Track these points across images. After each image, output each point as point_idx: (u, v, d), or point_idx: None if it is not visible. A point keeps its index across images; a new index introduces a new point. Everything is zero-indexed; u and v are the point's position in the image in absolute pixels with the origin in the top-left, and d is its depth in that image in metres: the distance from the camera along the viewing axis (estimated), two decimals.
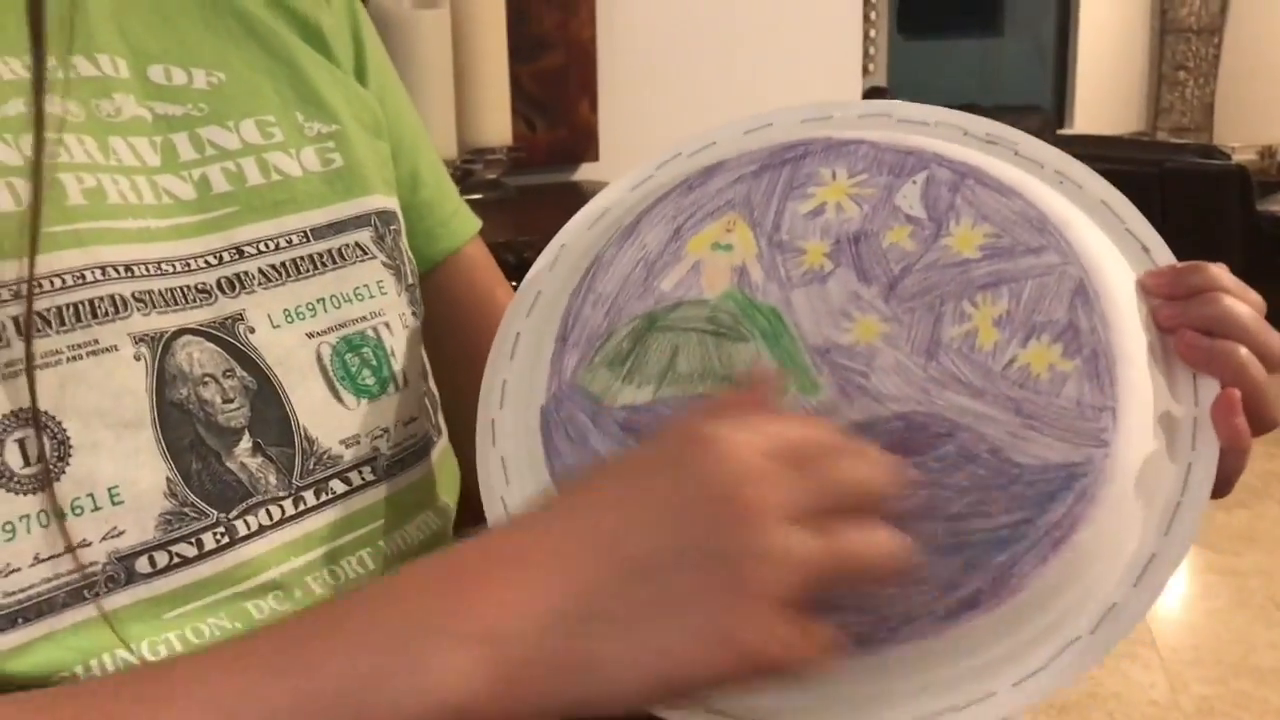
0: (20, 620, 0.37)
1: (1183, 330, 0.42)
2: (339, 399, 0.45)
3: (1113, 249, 0.45)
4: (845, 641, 0.36)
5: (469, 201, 1.31)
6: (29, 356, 0.37)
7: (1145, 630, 2.28)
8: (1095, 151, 4.22)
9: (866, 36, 1.77)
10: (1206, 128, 5.30)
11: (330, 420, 0.45)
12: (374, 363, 0.47)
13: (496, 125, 1.31)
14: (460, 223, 0.58)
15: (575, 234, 0.51)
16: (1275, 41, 4.99)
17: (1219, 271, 0.43)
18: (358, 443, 0.46)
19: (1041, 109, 5.00)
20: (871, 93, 3.65)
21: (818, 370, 0.42)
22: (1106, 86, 5.32)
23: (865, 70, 1.74)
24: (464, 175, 1.29)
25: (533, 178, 1.48)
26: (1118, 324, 0.42)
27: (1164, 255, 0.46)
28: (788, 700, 0.39)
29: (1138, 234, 0.47)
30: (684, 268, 0.45)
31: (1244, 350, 0.41)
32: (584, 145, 1.57)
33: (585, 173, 1.59)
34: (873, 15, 1.62)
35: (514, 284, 0.54)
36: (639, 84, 1.59)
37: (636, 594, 0.31)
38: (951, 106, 0.52)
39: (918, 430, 0.40)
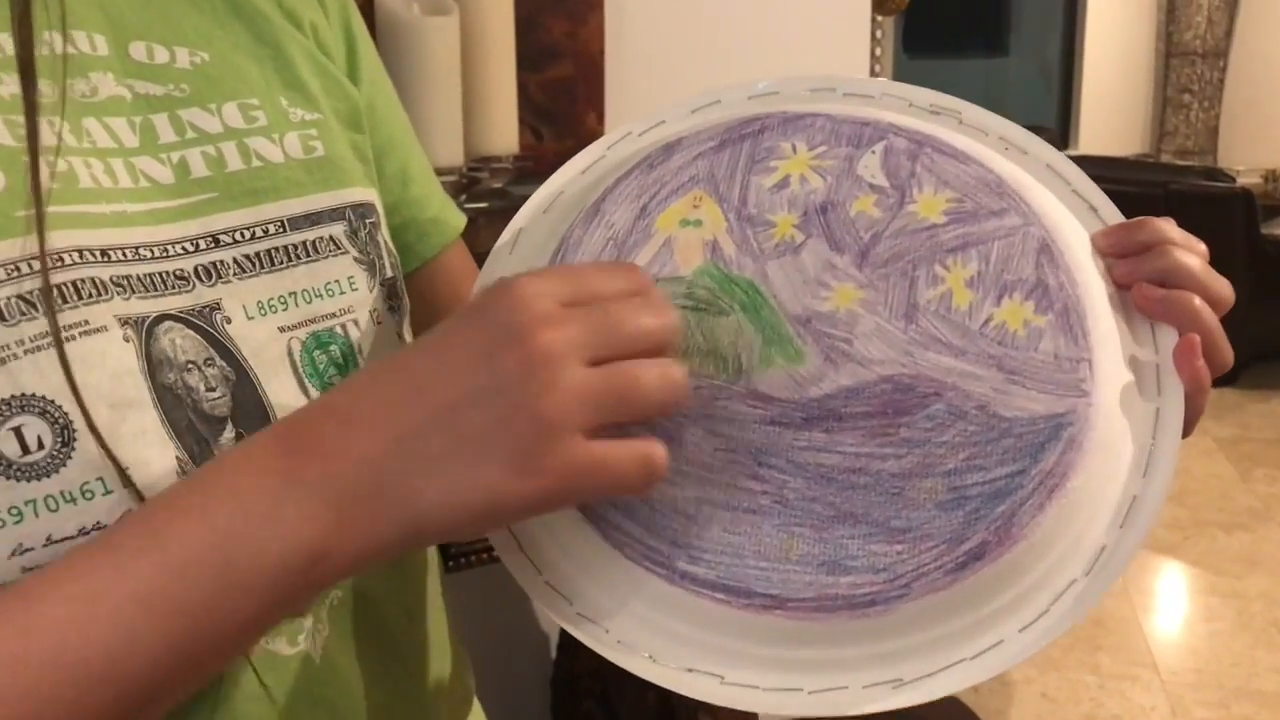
0: None
1: (1139, 284, 0.44)
2: (308, 396, 0.45)
3: (1064, 209, 0.47)
4: (664, 455, 0.37)
5: (474, 210, 1.31)
6: (55, 328, 0.37)
7: (1146, 653, 2.26)
8: (1100, 172, 4.21)
9: (873, 55, 1.77)
10: (1210, 151, 5.30)
11: None
12: (340, 361, 0.46)
13: (503, 134, 1.31)
14: (447, 220, 0.58)
15: (531, 217, 0.51)
16: None
17: (1165, 225, 0.45)
18: None
19: (1046, 129, 5.01)
20: None
21: (801, 339, 0.43)
22: (1111, 108, 5.33)
23: None
24: (470, 183, 1.29)
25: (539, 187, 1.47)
26: (1082, 279, 0.43)
27: (1111, 213, 0.48)
28: (806, 657, 0.40)
29: (1084, 194, 0.48)
30: (655, 245, 0.45)
31: (1197, 299, 0.44)
32: None
33: None
34: (879, 34, 1.62)
35: None
36: (647, 96, 1.59)
37: (449, 432, 0.35)
38: None
39: (905, 391, 0.42)
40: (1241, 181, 3.98)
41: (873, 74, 1.81)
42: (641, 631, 0.41)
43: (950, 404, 0.41)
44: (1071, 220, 0.46)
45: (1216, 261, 0.46)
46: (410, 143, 0.56)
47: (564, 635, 1.46)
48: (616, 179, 0.47)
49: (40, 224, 0.38)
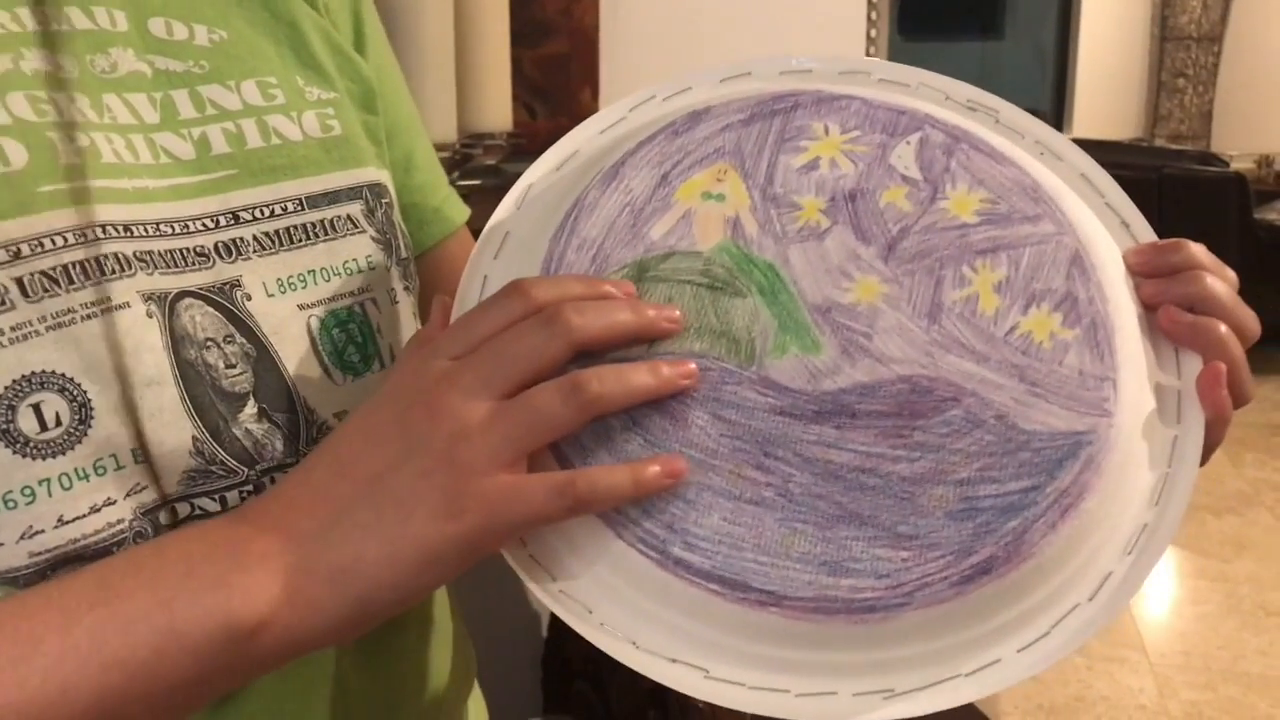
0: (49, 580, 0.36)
1: (1166, 306, 0.44)
2: (328, 374, 0.45)
3: (1097, 222, 0.46)
4: (579, 481, 0.37)
5: (467, 187, 1.30)
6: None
7: (1134, 634, 2.28)
8: (1094, 155, 4.22)
9: (868, 36, 1.77)
10: (1204, 135, 5.30)
11: (323, 393, 0.45)
12: (359, 339, 0.46)
13: (497, 110, 1.30)
14: (451, 210, 0.57)
15: (542, 175, 0.49)
16: (1275, 51, 4.99)
17: (1197, 250, 0.45)
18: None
19: (1041, 112, 5.00)
20: None
21: (819, 329, 0.41)
22: (1106, 91, 5.33)
23: None
24: (463, 160, 1.28)
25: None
26: (1113, 296, 0.42)
27: (1143, 231, 0.47)
28: (796, 658, 0.38)
29: (1117, 208, 0.47)
30: (674, 216, 0.44)
31: (1224, 327, 0.43)
32: None
33: None
34: (874, 15, 1.61)
35: None
36: (641, 74, 1.58)
37: (378, 499, 0.37)
38: None
39: (923, 394, 0.40)
40: (1235, 166, 3.98)
41: (868, 55, 1.80)
42: (627, 616, 0.39)
43: (968, 411, 0.40)
44: (1104, 234, 0.45)
45: (1209, 246, 0.45)
46: (416, 129, 0.56)
47: (555, 616, 1.46)
48: (638, 143, 0.46)
49: (66, 198, 0.37)
